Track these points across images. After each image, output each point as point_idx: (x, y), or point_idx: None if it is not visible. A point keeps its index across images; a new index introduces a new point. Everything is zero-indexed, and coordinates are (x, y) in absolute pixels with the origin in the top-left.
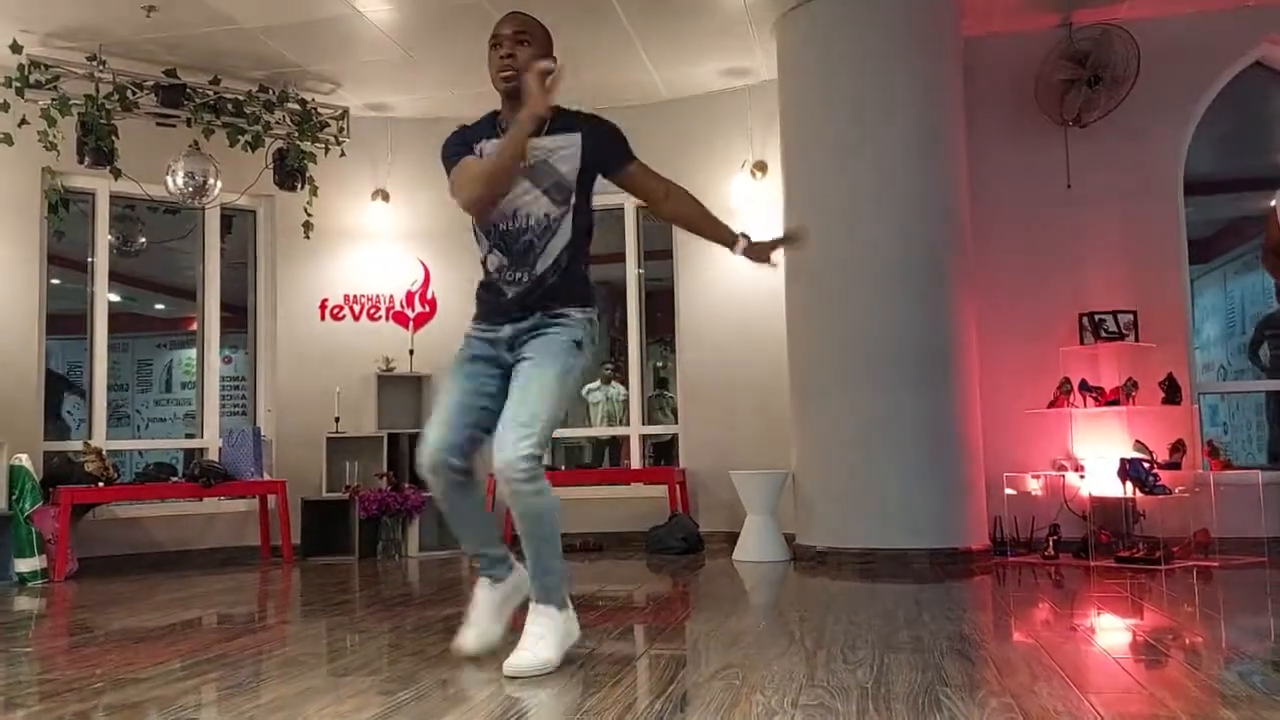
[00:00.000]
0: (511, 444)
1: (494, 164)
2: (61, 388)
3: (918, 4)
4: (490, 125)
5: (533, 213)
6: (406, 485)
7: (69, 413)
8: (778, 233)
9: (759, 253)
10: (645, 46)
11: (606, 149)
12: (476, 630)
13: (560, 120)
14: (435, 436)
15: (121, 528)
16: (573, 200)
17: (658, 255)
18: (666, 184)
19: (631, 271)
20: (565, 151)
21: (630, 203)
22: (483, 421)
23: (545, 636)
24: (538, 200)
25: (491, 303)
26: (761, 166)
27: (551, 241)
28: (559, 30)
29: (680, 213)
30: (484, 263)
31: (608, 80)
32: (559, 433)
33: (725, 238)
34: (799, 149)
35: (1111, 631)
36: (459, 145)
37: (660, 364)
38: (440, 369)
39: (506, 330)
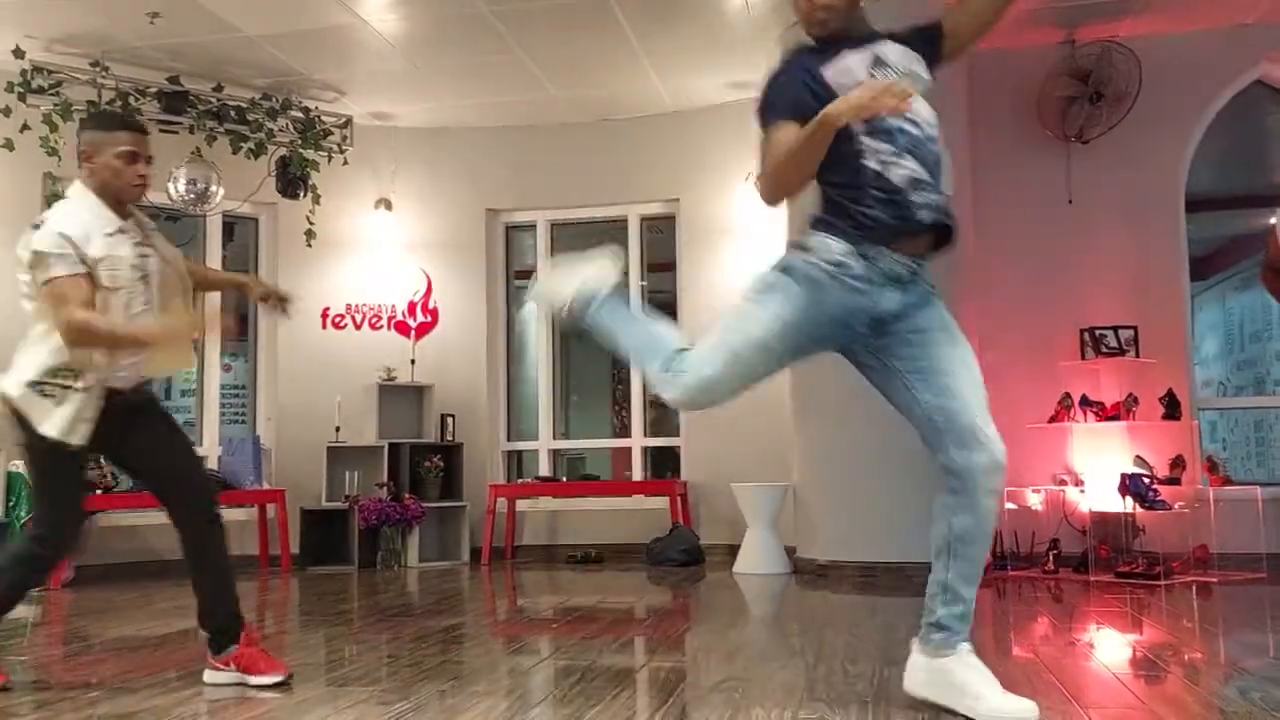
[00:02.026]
0: (998, 438)
1: (804, 147)
2: None
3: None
4: (826, 51)
5: (930, 117)
6: (406, 495)
7: None
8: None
9: None
10: (651, 59)
11: (922, 36)
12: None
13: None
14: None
15: (119, 536)
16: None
17: (661, 268)
18: None
19: (635, 283)
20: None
21: (634, 215)
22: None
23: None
24: (924, 105)
25: (895, 229)
26: None
27: (946, 161)
28: (565, 42)
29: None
30: (872, 170)
31: (613, 92)
32: (564, 444)
33: None
34: None
35: (1111, 647)
36: (792, 87)
37: None
38: (442, 378)
39: (903, 272)
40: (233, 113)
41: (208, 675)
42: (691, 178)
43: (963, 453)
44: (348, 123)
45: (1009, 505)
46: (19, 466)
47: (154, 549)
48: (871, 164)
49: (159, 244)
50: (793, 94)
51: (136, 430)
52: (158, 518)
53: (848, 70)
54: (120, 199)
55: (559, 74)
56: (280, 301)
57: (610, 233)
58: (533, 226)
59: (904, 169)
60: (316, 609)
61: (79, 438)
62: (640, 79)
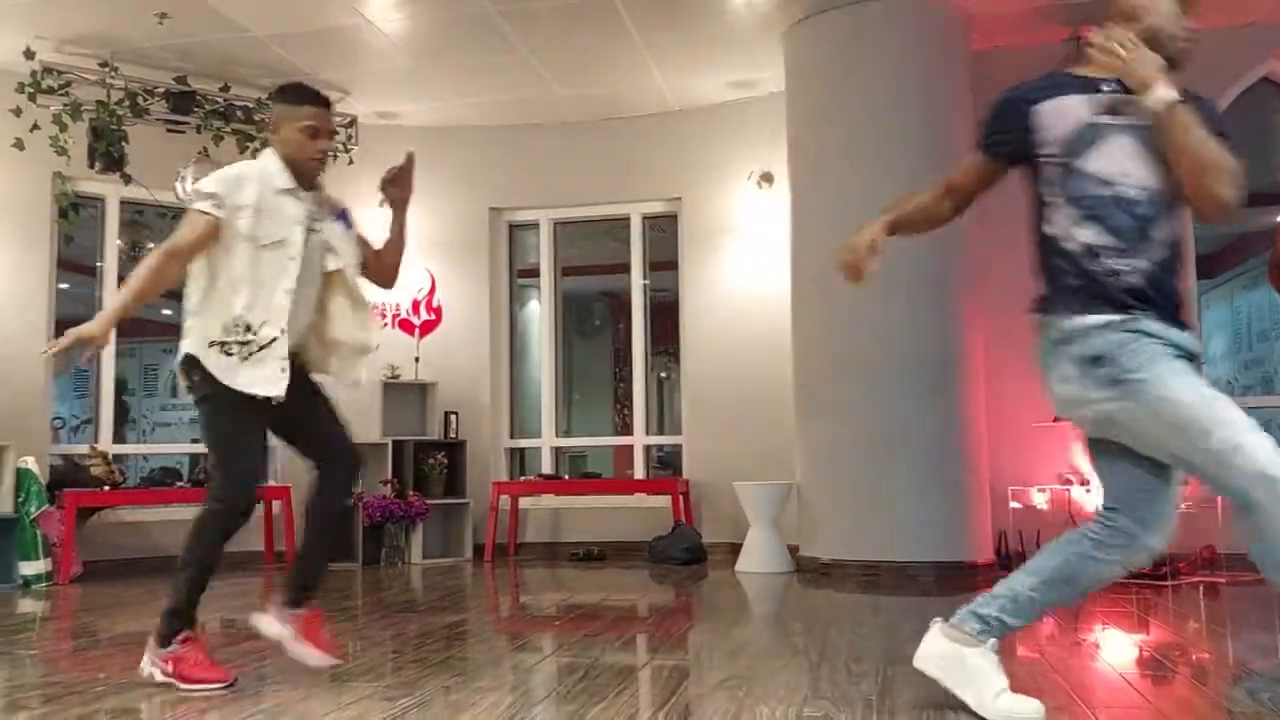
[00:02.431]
0: None
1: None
2: (121, 392)
3: (926, 18)
4: (1079, 83)
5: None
6: (410, 492)
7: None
8: (784, 248)
9: None
10: (654, 57)
11: None
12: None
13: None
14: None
15: (126, 532)
16: None
17: (663, 266)
18: None
19: (637, 282)
20: None
21: (636, 214)
22: None
23: None
24: None
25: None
26: (768, 178)
27: None
28: (569, 41)
29: None
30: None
31: (617, 91)
32: (566, 441)
33: None
34: (806, 161)
35: (1117, 647)
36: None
37: (664, 375)
38: (446, 376)
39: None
40: (239, 112)
41: (258, 618)
42: (694, 176)
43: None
44: (353, 122)
45: (1014, 505)
46: (29, 463)
47: (161, 544)
48: None
49: (331, 232)
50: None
51: (298, 397)
52: (165, 513)
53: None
54: (300, 172)
55: (563, 73)
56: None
57: (613, 231)
58: (536, 225)
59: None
60: (321, 605)
61: (274, 390)
62: (643, 78)
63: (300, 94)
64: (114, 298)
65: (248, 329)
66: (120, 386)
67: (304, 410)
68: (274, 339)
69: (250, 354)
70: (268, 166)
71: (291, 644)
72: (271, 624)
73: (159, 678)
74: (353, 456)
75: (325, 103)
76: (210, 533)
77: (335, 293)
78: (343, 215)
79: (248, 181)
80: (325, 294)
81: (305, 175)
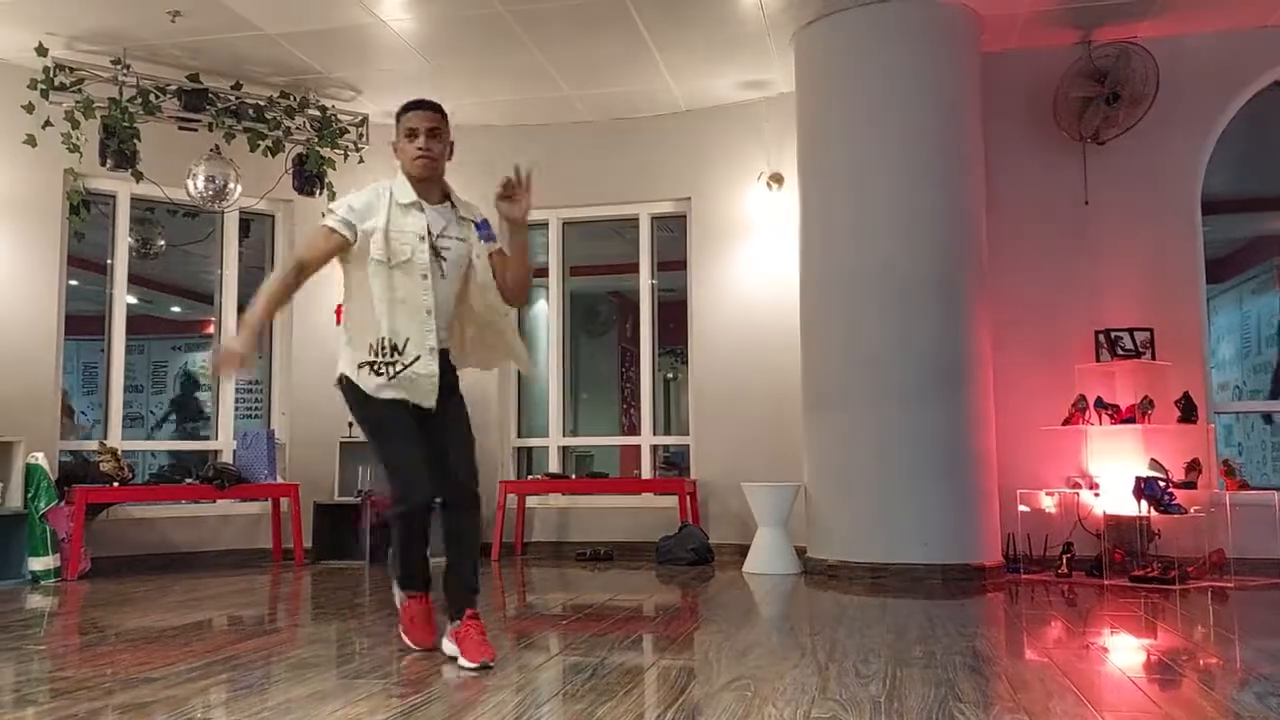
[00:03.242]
0: None
1: None
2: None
3: (937, 20)
4: None
5: None
6: None
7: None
8: (794, 249)
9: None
10: (664, 58)
11: None
12: None
13: None
14: None
15: (135, 528)
16: None
17: (671, 266)
18: None
19: (645, 282)
20: None
21: (645, 212)
22: None
23: None
24: None
25: None
26: (778, 179)
27: None
28: (580, 42)
29: None
30: None
31: (627, 91)
32: (573, 441)
33: None
34: (816, 162)
35: (1125, 651)
36: None
37: (672, 375)
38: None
39: None
40: (251, 110)
41: (443, 644)
42: (703, 177)
43: None
44: (364, 121)
45: (1022, 508)
46: (38, 459)
47: (170, 541)
48: None
49: (466, 243)
50: None
51: (438, 411)
52: (173, 510)
53: None
54: (410, 174)
55: (573, 74)
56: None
57: (621, 230)
58: (545, 225)
59: None
60: (329, 603)
61: (426, 402)
62: (654, 78)
63: (404, 104)
64: (249, 311)
65: (394, 350)
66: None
67: (434, 425)
68: (418, 357)
69: (396, 374)
70: (394, 185)
71: (458, 656)
72: (447, 646)
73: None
74: (462, 479)
75: (420, 105)
76: (398, 537)
77: (475, 301)
78: (482, 225)
79: (376, 204)
80: (465, 304)
81: (422, 182)
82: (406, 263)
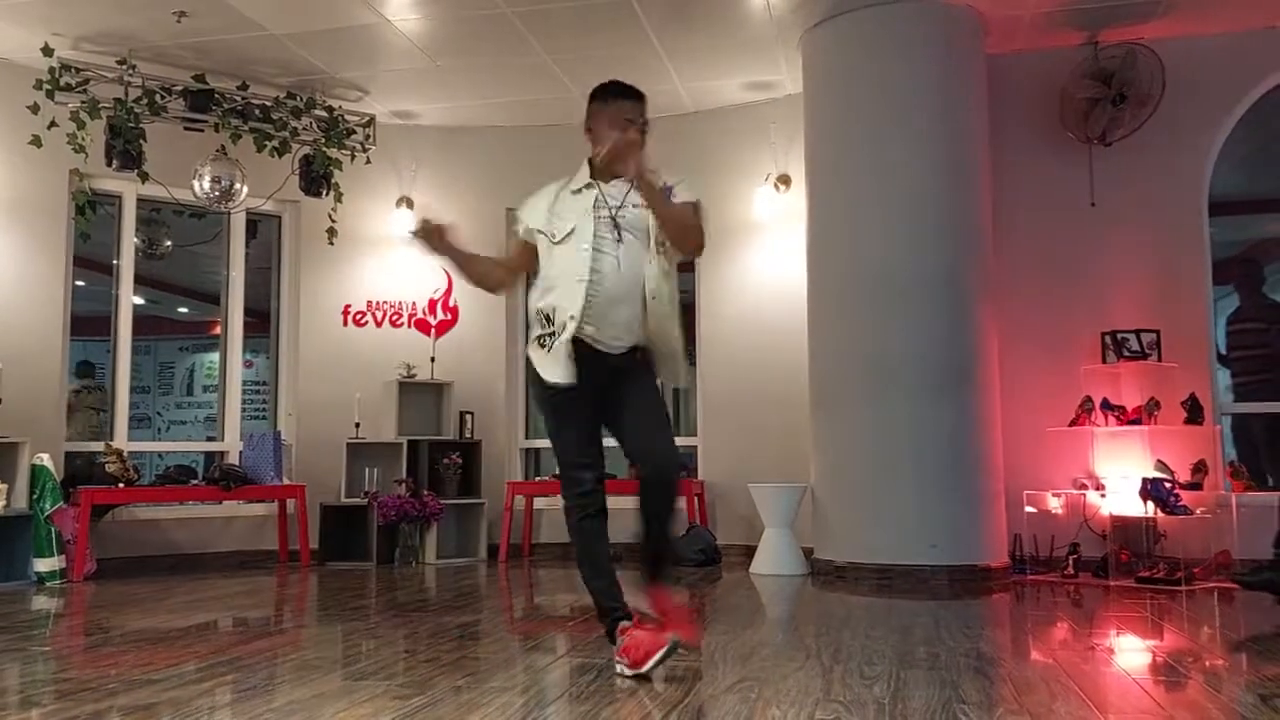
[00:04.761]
0: None
1: None
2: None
3: (943, 21)
4: None
5: None
6: (425, 492)
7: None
8: (801, 251)
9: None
10: (671, 59)
11: None
12: None
13: None
14: None
15: (140, 529)
16: None
17: (678, 267)
18: None
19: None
20: None
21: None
22: None
23: None
24: None
25: None
26: (785, 180)
27: None
28: (585, 42)
29: None
30: None
31: None
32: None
33: None
34: (823, 163)
35: (1131, 652)
36: None
37: None
38: (461, 376)
39: None
40: (257, 111)
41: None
42: (710, 179)
43: None
44: (370, 121)
45: (1028, 509)
46: (44, 460)
47: (174, 542)
48: None
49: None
50: None
51: (618, 390)
52: (178, 511)
53: None
54: (601, 165)
55: (580, 74)
56: None
57: None
58: None
59: None
60: (335, 604)
61: (557, 377)
62: (661, 79)
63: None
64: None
65: (547, 319)
66: None
67: (620, 408)
68: (564, 324)
69: (549, 344)
70: (577, 172)
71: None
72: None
73: (627, 672)
74: (656, 461)
75: (602, 95)
76: (573, 531)
77: (653, 283)
78: (666, 190)
79: (542, 195)
80: (646, 285)
81: (606, 168)
82: (568, 237)
